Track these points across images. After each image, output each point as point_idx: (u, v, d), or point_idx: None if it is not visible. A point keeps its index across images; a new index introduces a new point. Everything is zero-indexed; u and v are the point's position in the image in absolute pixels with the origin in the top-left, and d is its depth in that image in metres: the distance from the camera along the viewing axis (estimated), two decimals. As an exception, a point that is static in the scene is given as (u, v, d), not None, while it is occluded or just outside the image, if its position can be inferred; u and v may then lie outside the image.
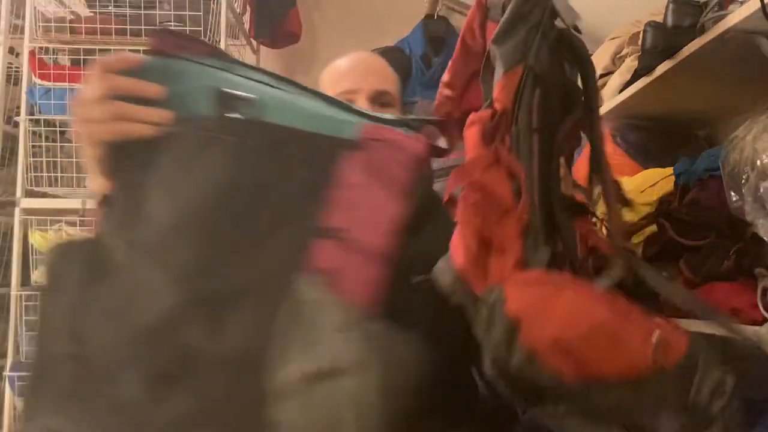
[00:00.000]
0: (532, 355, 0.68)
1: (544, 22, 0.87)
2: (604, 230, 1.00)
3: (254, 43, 2.61)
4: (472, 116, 0.87)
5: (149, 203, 0.71)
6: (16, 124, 2.12)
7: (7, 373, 2.00)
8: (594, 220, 0.98)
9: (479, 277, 0.75)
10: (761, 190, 0.90)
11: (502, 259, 0.78)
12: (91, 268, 0.71)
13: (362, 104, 1.08)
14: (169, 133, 0.73)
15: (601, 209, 1.00)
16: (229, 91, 0.74)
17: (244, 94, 0.74)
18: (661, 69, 1.31)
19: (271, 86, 0.79)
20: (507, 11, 0.89)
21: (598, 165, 0.90)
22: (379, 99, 1.11)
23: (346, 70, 1.14)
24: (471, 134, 0.87)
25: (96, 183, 0.77)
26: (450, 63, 1.07)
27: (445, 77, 1.11)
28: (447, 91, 1.10)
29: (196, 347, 0.66)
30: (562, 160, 0.93)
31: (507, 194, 0.83)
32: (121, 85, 0.74)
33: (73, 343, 0.69)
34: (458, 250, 0.78)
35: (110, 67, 0.75)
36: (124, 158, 0.74)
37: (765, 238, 0.92)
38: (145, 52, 0.77)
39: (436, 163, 1.42)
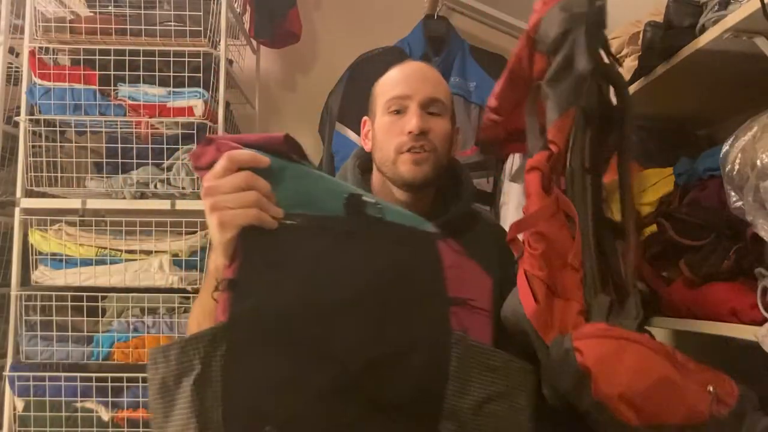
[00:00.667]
0: (601, 405, 0.77)
1: (596, 65, 0.92)
2: None
3: (254, 43, 2.61)
4: (530, 162, 0.93)
5: (294, 285, 0.84)
6: (16, 124, 2.12)
7: (7, 373, 1.99)
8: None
9: (547, 324, 0.85)
10: (761, 190, 0.90)
11: (566, 307, 0.87)
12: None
13: (413, 109, 1.14)
14: (308, 227, 0.86)
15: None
16: (359, 194, 0.91)
17: (368, 197, 0.91)
18: (661, 69, 1.31)
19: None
20: (560, 53, 0.94)
21: (623, 191, 0.95)
22: (429, 106, 1.15)
23: (402, 77, 1.19)
24: (532, 180, 0.93)
25: (218, 264, 0.86)
26: (497, 90, 1.14)
27: (492, 102, 1.16)
28: (494, 116, 1.17)
29: (374, 401, 0.83)
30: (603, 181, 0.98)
31: (567, 242, 0.89)
32: (254, 182, 0.84)
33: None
34: (527, 297, 0.87)
35: (242, 162, 0.84)
36: (252, 246, 0.84)
37: (765, 238, 0.92)
38: (271, 152, 0.87)
39: (461, 159, 1.46)
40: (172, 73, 2.04)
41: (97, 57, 2.08)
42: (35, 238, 2.03)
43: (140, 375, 1.97)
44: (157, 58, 2.05)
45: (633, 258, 0.95)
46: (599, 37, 0.96)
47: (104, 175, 2.08)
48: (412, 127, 1.12)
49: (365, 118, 1.25)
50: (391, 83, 1.19)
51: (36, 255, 2.04)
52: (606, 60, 1.00)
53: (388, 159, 1.15)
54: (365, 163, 1.25)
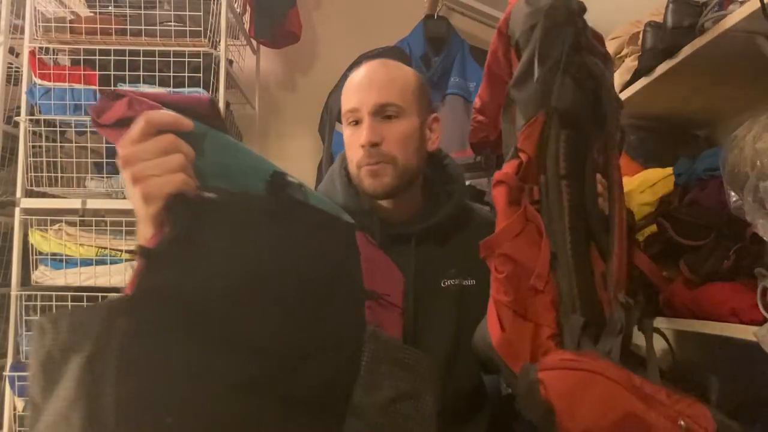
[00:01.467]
0: None
1: (564, 57, 0.83)
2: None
3: (254, 43, 2.61)
4: (497, 175, 0.87)
5: (211, 265, 0.77)
6: (16, 124, 2.12)
7: (7, 373, 2.00)
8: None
9: (515, 352, 0.81)
10: (761, 190, 0.90)
11: (537, 332, 0.81)
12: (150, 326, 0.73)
13: (365, 120, 1.11)
14: (228, 202, 0.79)
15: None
16: (283, 173, 0.85)
17: (293, 178, 0.86)
18: (661, 69, 1.31)
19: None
20: (524, 53, 0.86)
21: (609, 192, 0.89)
22: (381, 113, 1.11)
23: (352, 88, 1.15)
24: (498, 195, 0.86)
25: (144, 234, 0.78)
26: (479, 91, 1.06)
27: (477, 102, 1.11)
28: (480, 117, 1.11)
29: (282, 395, 0.77)
30: (599, 176, 0.91)
31: (537, 260, 0.83)
32: (179, 146, 0.76)
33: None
34: (493, 324, 0.82)
35: (163, 124, 0.76)
36: (179, 215, 0.76)
37: (765, 238, 0.92)
38: (191, 116, 0.79)
39: (461, 159, 1.42)
40: (172, 73, 2.04)
41: (97, 57, 2.08)
42: (35, 238, 2.03)
43: (140, 375, 1.97)
44: (157, 59, 2.05)
45: (618, 265, 0.86)
46: (568, 31, 0.86)
47: (104, 175, 2.08)
48: (362, 140, 1.10)
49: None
50: (345, 94, 1.16)
51: (36, 255, 2.04)
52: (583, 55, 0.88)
53: (353, 172, 1.14)
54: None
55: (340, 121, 2.31)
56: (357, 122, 1.13)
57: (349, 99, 1.14)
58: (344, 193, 1.17)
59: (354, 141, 1.12)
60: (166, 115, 0.77)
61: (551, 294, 0.82)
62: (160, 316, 0.72)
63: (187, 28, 2.07)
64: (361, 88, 1.13)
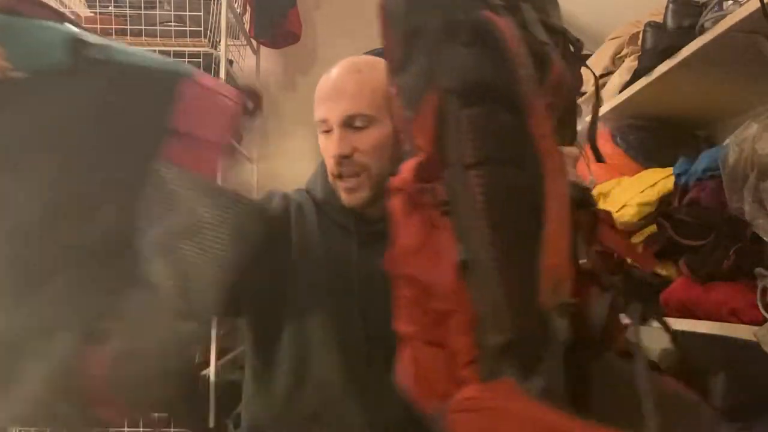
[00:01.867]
0: None
1: (447, 22, 0.69)
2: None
3: (254, 43, 2.61)
4: (391, 182, 0.73)
5: (10, 128, 0.83)
6: (16, 124, 2.12)
7: (7, 373, 2.00)
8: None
9: (428, 390, 0.68)
10: (761, 190, 0.90)
11: (452, 361, 0.68)
12: None
13: (336, 132, 1.08)
14: (27, 79, 0.84)
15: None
16: (84, 37, 0.87)
17: (97, 39, 0.88)
18: (661, 69, 1.31)
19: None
20: (395, 27, 0.72)
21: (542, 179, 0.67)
22: (350, 123, 1.08)
23: (321, 95, 1.13)
24: (395, 205, 0.73)
25: None
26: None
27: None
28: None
29: (69, 243, 0.80)
30: (565, 149, 0.73)
31: (448, 276, 0.68)
32: None
33: None
34: (404, 363, 0.69)
35: None
36: None
37: (765, 238, 0.92)
38: None
39: None
40: (172, 73, 2.04)
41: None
42: (35, 238, 2.03)
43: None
44: (157, 58, 2.05)
45: (553, 258, 0.67)
46: None
47: (104, 175, 2.08)
48: (331, 152, 1.08)
49: None
50: (316, 102, 1.14)
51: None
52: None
53: (330, 179, 1.13)
54: None
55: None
56: (328, 131, 1.10)
57: (318, 108, 1.12)
58: (322, 190, 1.16)
59: (327, 150, 1.10)
60: None
61: (466, 312, 0.67)
62: None
63: (187, 28, 2.07)
64: (329, 97, 1.11)
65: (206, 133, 0.92)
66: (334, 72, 1.15)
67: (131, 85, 0.89)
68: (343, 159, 1.07)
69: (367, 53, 2.49)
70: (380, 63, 1.14)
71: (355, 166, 1.08)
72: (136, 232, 0.82)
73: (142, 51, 0.96)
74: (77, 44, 0.87)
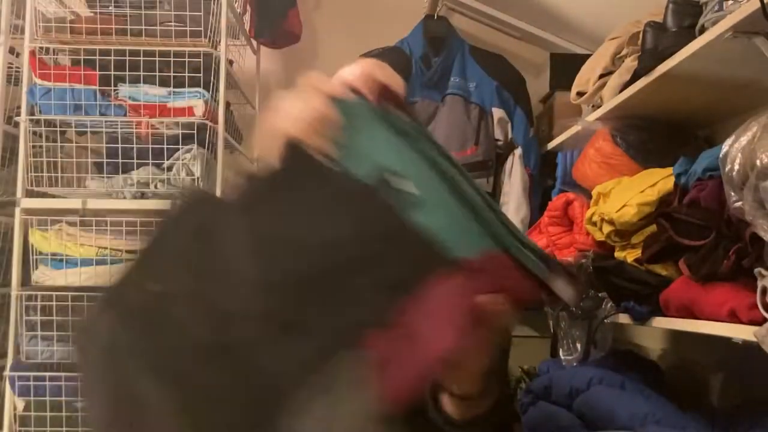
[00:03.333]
0: None
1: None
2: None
3: (254, 43, 2.61)
4: None
5: (280, 212, 0.74)
6: (16, 124, 2.12)
7: (7, 373, 1.99)
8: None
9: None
10: (761, 190, 0.90)
11: None
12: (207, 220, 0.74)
13: None
14: (332, 172, 0.75)
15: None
16: (394, 179, 0.75)
17: (407, 188, 0.75)
18: (661, 69, 1.31)
19: (440, 172, 0.79)
20: None
21: None
22: None
23: None
24: None
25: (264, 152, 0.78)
26: None
27: None
28: None
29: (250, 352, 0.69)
30: None
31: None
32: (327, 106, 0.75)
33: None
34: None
35: (322, 86, 0.76)
36: (290, 160, 0.75)
37: (765, 238, 0.92)
38: (354, 91, 0.78)
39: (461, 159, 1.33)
40: (172, 74, 2.04)
41: (97, 57, 2.08)
42: (35, 238, 2.03)
43: (140, 375, 1.97)
44: (157, 59, 2.05)
45: None
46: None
47: (104, 175, 2.08)
48: None
49: None
50: None
51: (36, 255, 2.04)
52: None
53: None
54: None
55: (340, 121, 2.32)
56: None
57: None
58: None
59: None
60: (390, 75, 0.77)
61: None
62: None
63: (187, 28, 2.07)
64: None
65: (427, 344, 0.73)
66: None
67: (405, 234, 0.75)
68: None
69: (366, 53, 2.50)
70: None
71: None
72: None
73: (461, 214, 0.78)
74: (385, 180, 0.75)
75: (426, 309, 0.71)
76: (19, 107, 2.13)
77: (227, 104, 2.23)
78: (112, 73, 2.06)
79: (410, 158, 0.79)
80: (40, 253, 2.04)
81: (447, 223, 0.78)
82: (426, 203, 0.76)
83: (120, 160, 2.05)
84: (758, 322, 0.96)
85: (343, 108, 0.76)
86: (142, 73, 2.05)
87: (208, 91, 2.06)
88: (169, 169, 2.04)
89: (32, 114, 2.07)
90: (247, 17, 2.49)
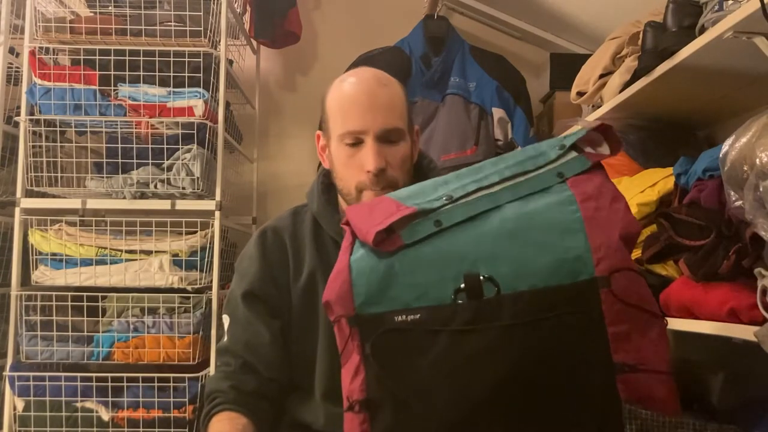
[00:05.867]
0: None
1: None
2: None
3: (254, 43, 2.61)
4: None
5: (431, 403, 0.78)
6: (16, 124, 2.12)
7: (7, 373, 1.99)
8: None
9: None
10: (761, 190, 0.90)
11: None
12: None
13: (370, 144, 1.08)
14: (425, 328, 0.78)
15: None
16: (474, 274, 0.79)
17: (486, 273, 0.79)
18: (661, 69, 1.31)
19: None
20: None
21: None
22: (386, 137, 1.10)
23: (354, 106, 1.11)
24: None
25: None
26: None
27: None
28: None
29: None
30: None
31: None
32: None
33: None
34: None
35: None
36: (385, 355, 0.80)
37: (765, 238, 0.92)
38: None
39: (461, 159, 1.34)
40: (172, 73, 2.04)
41: (97, 57, 2.08)
42: (35, 238, 2.03)
43: (140, 375, 1.97)
44: (157, 58, 2.05)
45: None
46: None
47: (104, 175, 2.08)
48: (370, 167, 1.07)
49: (319, 132, 1.21)
50: (341, 111, 1.12)
51: (36, 255, 2.04)
52: None
53: (350, 194, 1.12)
54: (329, 177, 1.20)
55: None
56: (354, 144, 1.10)
57: (348, 117, 1.11)
58: (318, 203, 1.18)
59: (355, 162, 1.10)
60: None
61: None
62: None
63: (187, 28, 2.07)
64: (364, 110, 1.10)
65: (650, 361, 0.80)
66: (362, 84, 1.14)
67: (545, 318, 0.78)
68: (380, 173, 1.08)
69: (367, 53, 2.50)
70: (392, 78, 1.16)
71: (388, 180, 1.09)
72: None
73: (538, 252, 0.81)
74: (468, 280, 0.80)
75: (623, 333, 0.78)
76: (19, 107, 2.13)
77: (227, 104, 2.23)
78: (112, 73, 2.06)
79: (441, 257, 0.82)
80: (40, 253, 2.04)
81: (540, 269, 0.80)
82: (505, 273, 0.80)
83: (120, 160, 2.05)
84: (758, 322, 0.96)
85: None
86: (141, 73, 2.05)
87: (208, 91, 2.06)
88: (169, 169, 2.04)
89: (32, 114, 2.07)
90: (247, 17, 2.49)
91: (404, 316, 0.79)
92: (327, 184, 1.20)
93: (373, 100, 1.11)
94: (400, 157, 1.11)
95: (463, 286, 0.79)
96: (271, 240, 1.19)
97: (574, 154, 0.89)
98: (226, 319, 1.19)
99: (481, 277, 0.79)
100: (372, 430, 0.78)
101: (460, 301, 0.79)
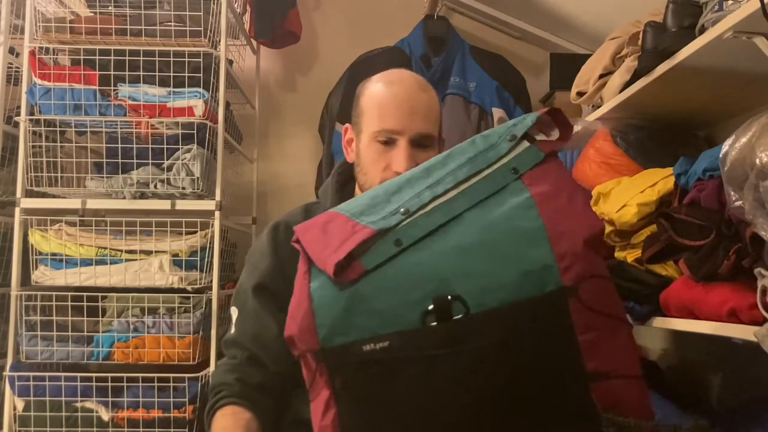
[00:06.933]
0: None
1: None
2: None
3: (254, 43, 2.61)
4: None
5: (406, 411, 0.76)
6: (16, 124, 2.12)
7: (7, 373, 1.99)
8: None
9: None
10: (761, 190, 0.90)
11: None
12: None
13: (403, 146, 1.10)
14: (394, 355, 0.76)
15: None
16: (442, 296, 0.77)
17: (453, 292, 0.77)
18: (661, 69, 1.31)
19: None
20: None
21: None
22: (419, 142, 1.11)
23: (393, 105, 1.12)
24: None
25: None
26: None
27: None
28: None
29: None
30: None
31: None
32: None
33: None
34: None
35: None
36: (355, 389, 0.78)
37: (765, 238, 0.92)
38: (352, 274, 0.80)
39: None
40: (172, 73, 2.04)
41: (97, 57, 2.08)
42: (35, 238, 2.03)
43: (140, 375, 1.97)
44: (157, 58, 2.05)
45: None
46: None
47: (104, 175, 2.08)
48: (400, 168, 1.08)
49: (347, 125, 1.22)
50: (380, 109, 1.13)
51: (36, 255, 2.04)
52: None
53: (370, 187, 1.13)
54: (345, 175, 1.21)
55: (340, 122, 2.32)
56: (387, 142, 1.11)
57: (385, 115, 1.12)
58: (332, 200, 1.18)
59: (384, 160, 1.11)
60: None
61: None
62: None
63: (187, 28, 2.07)
64: (403, 111, 1.12)
65: (621, 367, 0.79)
66: (404, 85, 1.16)
67: (511, 338, 0.77)
68: None
69: (367, 53, 2.50)
70: (430, 85, 1.18)
71: None
72: None
73: (502, 262, 0.79)
74: (441, 302, 0.78)
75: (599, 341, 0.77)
76: (18, 107, 2.13)
77: (227, 104, 2.23)
78: (112, 73, 2.06)
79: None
80: (40, 253, 2.04)
81: (506, 283, 0.79)
82: (472, 292, 0.78)
83: (120, 160, 2.04)
84: (758, 322, 0.96)
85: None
86: (141, 73, 2.05)
87: (208, 91, 2.06)
88: (169, 169, 2.04)
89: (32, 114, 2.07)
90: (247, 17, 2.49)
91: (373, 345, 0.76)
92: (342, 182, 1.21)
93: (413, 103, 1.12)
94: None
95: (431, 308, 0.77)
96: (283, 235, 1.19)
97: (526, 144, 0.87)
98: (234, 312, 1.19)
99: (449, 297, 0.77)
100: None
101: (430, 324, 0.76)
